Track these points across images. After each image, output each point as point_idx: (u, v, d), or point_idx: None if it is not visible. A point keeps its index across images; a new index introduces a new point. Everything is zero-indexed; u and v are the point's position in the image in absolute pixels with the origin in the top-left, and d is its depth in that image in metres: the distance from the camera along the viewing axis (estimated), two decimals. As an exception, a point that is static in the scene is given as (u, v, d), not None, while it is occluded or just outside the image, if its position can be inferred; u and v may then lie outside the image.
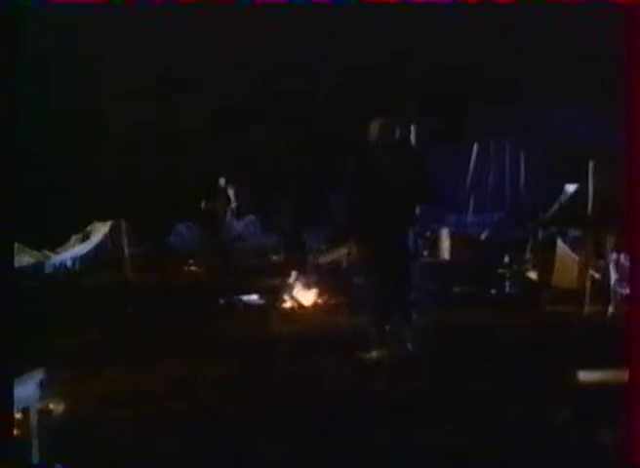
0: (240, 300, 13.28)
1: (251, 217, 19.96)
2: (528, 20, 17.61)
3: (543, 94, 18.50)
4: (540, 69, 18.58)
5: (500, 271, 14.62)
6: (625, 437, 5.12)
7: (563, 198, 16.92)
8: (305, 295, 13.10)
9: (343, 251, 14.97)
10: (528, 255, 15.25)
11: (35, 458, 5.51)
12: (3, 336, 4.99)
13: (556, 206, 16.85)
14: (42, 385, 6.08)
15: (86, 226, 18.37)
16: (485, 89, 18.97)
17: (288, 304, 12.93)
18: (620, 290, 11.71)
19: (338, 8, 16.83)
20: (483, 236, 17.21)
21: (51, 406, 6.79)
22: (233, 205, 18.79)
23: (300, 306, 12.89)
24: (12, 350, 5.05)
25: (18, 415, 5.90)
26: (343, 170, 9.59)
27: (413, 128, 12.01)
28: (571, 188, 16.77)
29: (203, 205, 18.34)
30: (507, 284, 14.14)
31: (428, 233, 16.08)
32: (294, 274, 13.67)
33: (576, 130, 16.56)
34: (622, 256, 11.80)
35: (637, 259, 5.65)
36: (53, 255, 17.46)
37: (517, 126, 18.06)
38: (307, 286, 13.33)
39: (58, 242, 18.00)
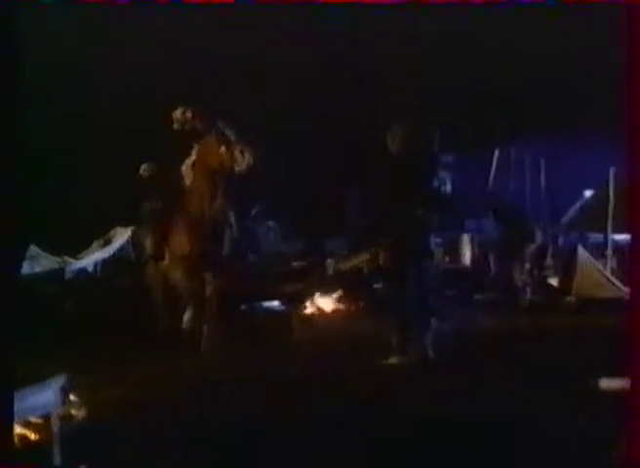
0: (261, 306, 13.29)
1: (270, 223, 19.90)
2: (537, 23, 17.57)
3: (559, 99, 18.49)
4: (556, 75, 18.53)
5: (522, 277, 14.59)
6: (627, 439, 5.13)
7: (583, 204, 16.89)
8: (326, 301, 13.12)
9: (364, 256, 14.97)
10: (549, 262, 15.23)
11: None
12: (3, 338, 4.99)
13: (576, 210, 16.83)
14: (63, 391, 6.11)
15: (108, 231, 18.39)
16: (503, 95, 18.94)
17: (309, 310, 12.95)
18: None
19: (356, 9, 16.81)
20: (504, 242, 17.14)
21: (72, 411, 6.81)
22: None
23: (321, 312, 12.90)
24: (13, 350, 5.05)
25: (39, 421, 5.94)
26: (364, 176, 9.62)
27: (435, 134, 12.00)
28: (591, 194, 16.76)
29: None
30: (528, 290, 14.12)
31: (449, 239, 16.07)
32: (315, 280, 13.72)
33: (594, 137, 16.53)
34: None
35: (636, 263, 5.62)
36: (73, 261, 17.50)
37: (537, 132, 18.01)
38: (328, 292, 13.34)
39: (79, 247, 18.05)
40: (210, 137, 9.86)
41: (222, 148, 9.67)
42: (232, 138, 9.62)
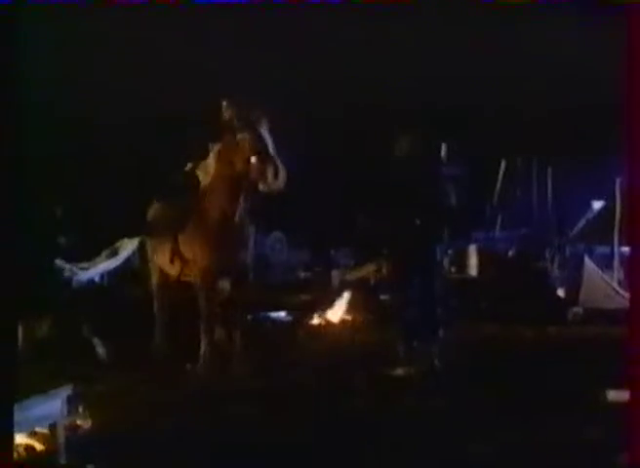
0: (268, 317, 13.28)
1: (277, 234, 19.86)
2: (540, 26, 17.55)
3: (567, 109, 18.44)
4: (561, 81, 18.48)
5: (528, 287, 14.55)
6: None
7: (590, 214, 16.85)
8: (332, 312, 13.11)
9: (371, 267, 14.95)
10: (555, 272, 15.20)
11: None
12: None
13: (583, 222, 16.79)
14: (70, 401, 6.11)
15: (115, 242, 18.40)
16: (511, 104, 18.90)
17: (316, 321, 12.94)
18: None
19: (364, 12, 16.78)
20: (510, 252, 17.12)
21: (78, 422, 6.81)
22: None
23: (328, 323, 12.89)
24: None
25: (45, 431, 5.94)
26: (370, 185, 9.60)
27: (442, 145, 11.98)
28: (598, 205, 16.71)
29: None
30: (535, 300, 14.07)
31: (455, 249, 16.02)
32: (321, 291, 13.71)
33: (604, 147, 16.49)
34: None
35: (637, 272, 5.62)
36: (80, 271, 17.50)
37: (544, 142, 17.99)
38: (334, 302, 13.33)
39: (86, 258, 18.04)
40: (241, 139, 8.66)
41: (254, 159, 8.50)
42: (269, 150, 8.44)
